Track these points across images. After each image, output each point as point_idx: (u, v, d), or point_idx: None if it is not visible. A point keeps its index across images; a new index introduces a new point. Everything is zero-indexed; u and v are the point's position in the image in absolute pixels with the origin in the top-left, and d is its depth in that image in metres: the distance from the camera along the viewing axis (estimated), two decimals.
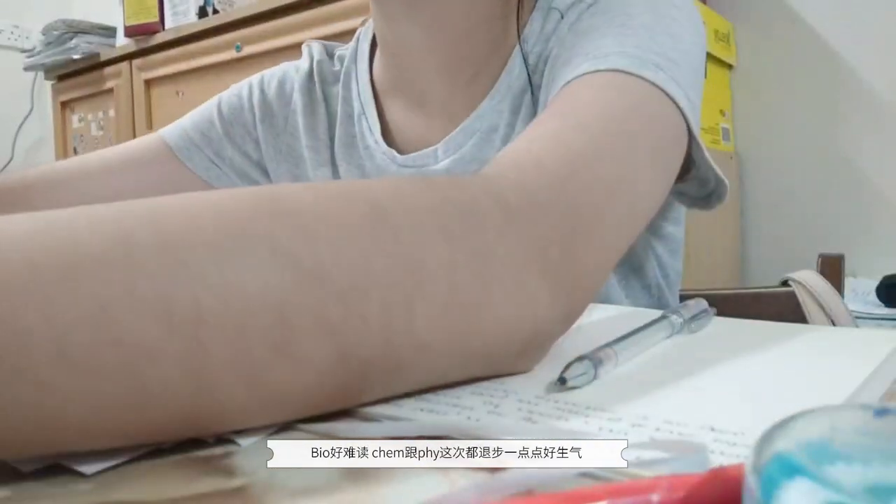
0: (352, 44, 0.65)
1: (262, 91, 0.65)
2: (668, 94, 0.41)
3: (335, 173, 0.62)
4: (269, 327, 0.22)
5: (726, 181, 0.47)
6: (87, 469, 0.21)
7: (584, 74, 0.42)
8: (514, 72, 0.54)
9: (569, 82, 0.42)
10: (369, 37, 0.63)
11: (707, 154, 0.45)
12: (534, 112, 0.53)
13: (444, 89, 0.57)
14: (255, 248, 0.23)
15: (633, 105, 0.40)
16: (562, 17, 0.53)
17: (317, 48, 0.66)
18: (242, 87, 0.67)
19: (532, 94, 0.53)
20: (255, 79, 0.67)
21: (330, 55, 0.66)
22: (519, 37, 0.54)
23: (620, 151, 0.36)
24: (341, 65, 0.64)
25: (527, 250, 0.29)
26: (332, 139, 0.63)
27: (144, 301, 0.20)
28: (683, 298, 0.39)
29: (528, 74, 0.54)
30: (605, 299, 0.54)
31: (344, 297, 0.23)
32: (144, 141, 0.66)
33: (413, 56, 0.56)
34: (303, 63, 0.65)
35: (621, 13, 0.46)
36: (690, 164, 0.46)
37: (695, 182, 0.48)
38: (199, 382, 0.21)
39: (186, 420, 0.22)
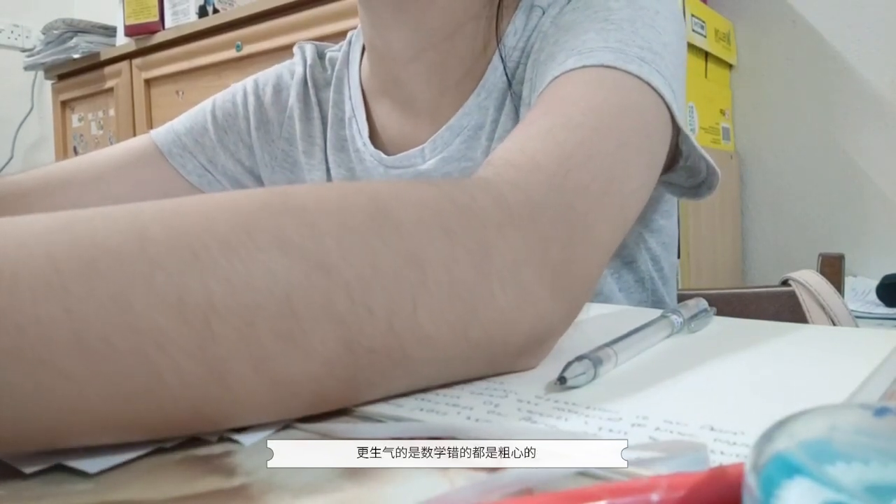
0: (343, 47, 0.65)
1: (258, 97, 0.65)
2: (652, 87, 0.41)
3: (328, 177, 0.63)
4: (276, 317, 0.23)
5: (718, 171, 0.48)
6: (91, 468, 0.21)
7: (570, 70, 0.42)
8: (498, 69, 0.55)
9: (556, 78, 0.42)
10: (361, 41, 0.63)
11: (696, 143, 0.46)
12: (514, 106, 0.54)
13: (432, 92, 0.57)
14: (264, 242, 0.23)
15: (620, 100, 0.40)
16: (543, 13, 0.53)
17: (309, 51, 0.66)
18: (237, 93, 0.67)
19: (510, 88, 0.54)
20: (248, 84, 0.67)
21: (321, 57, 0.66)
22: (497, 36, 0.55)
23: (611, 149, 0.37)
24: (332, 68, 0.65)
25: (526, 249, 0.29)
26: (325, 143, 0.63)
27: (158, 292, 0.21)
28: (683, 298, 0.39)
29: (506, 73, 0.54)
30: (599, 293, 0.54)
31: (349, 289, 0.24)
32: (136, 145, 0.65)
33: (401, 61, 0.57)
34: (297, 67, 0.65)
35: (603, 7, 0.46)
36: (678, 155, 0.47)
37: (683, 172, 0.49)
38: (211, 371, 0.22)
39: (199, 411, 0.22)
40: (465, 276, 0.27)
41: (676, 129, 0.44)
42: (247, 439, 0.24)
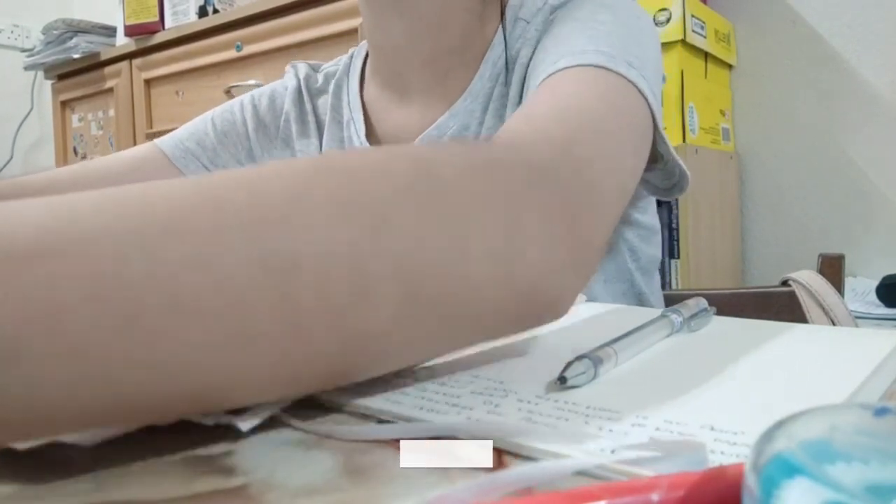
0: (344, 59, 0.71)
1: (255, 107, 0.71)
2: (638, 89, 0.45)
3: None
4: (349, 273, 0.24)
5: (688, 174, 0.53)
6: (85, 441, 0.21)
7: (564, 69, 0.45)
8: (484, 75, 0.60)
9: (551, 75, 0.46)
10: (362, 55, 0.69)
11: (671, 147, 0.50)
12: (503, 104, 0.59)
13: (424, 80, 0.61)
14: (324, 199, 0.24)
15: (613, 96, 0.44)
16: (527, 24, 0.58)
17: (302, 67, 0.72)
18: (234, 104, 0.72)
19: (493, 92, 0.59)
20: (245, 97, 0.72)
21: (315, 70, 0.72)
22: (502, 31, 0.59)
23: (612, 129, 0.40)
24: (327, 79, 0.70)
25: (549, 207, 0.31)
26: (321, 143, 0.68)
27: (239, 250, 0.22)
28: (683, 298, 0.39)
29: (506, 60, 0.59)
30: None
31: (407, 242, 0.25)
32: (141, 149, 0.70)
33: (396, 47, 0.61)
34: (290, 81, 0.71)
35: (591, 20, 0.51)
36: (657, 157, 0.51)
37: (660, 173, 0.54)
38: (293, 327, 0.23)
39: (277, 371, 0.23)
40: (506, 233, 0.29)
41: (655, 133, 0.48)
42: (244, 424, 0.24)
